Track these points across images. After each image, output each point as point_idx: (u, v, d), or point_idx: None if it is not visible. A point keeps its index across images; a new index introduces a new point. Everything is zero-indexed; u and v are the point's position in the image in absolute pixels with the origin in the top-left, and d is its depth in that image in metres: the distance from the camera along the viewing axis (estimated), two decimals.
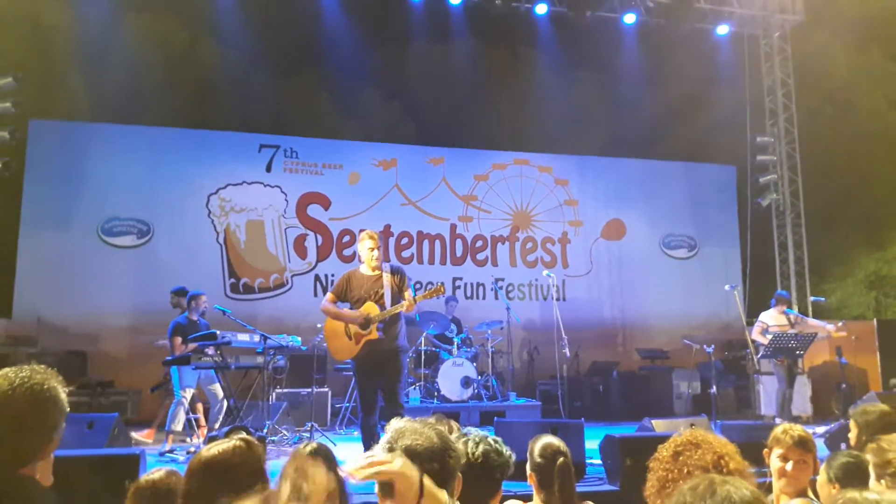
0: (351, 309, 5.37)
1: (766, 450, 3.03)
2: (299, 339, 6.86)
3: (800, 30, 11.34)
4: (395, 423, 1.87)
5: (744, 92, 11.40)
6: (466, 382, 8.00)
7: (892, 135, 11.36)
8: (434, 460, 1.70)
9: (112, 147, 9.58)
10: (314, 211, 10.30)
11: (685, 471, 1.94)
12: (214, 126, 10.07)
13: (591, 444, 5.85)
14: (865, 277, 11.52)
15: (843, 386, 8.26)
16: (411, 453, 1.69)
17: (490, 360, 8.61)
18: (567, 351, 7.72)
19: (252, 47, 9.89)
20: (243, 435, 2.59)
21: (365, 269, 5.42)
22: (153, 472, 2.54)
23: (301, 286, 9.97)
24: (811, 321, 8.45)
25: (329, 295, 5.48)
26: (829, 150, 10.99)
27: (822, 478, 2.87)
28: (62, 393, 1.77)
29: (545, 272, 8.64)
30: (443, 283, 5.84)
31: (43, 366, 1.77)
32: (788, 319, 8.04)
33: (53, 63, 8.99)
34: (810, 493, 2.90)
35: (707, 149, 11.48)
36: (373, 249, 5.33)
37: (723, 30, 11.28)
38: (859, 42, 11.08)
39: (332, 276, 9.85)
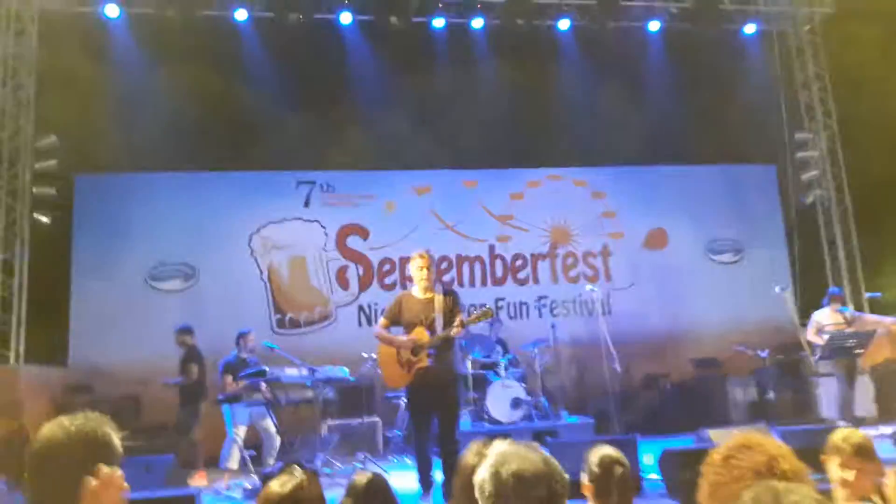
0: (404, 334, 5.32)
1: (823, 456, 2.93)
2: (347, 369, 6.90)
3: (831, 21, 11.11)
4: (499, 447, 1.83)
5: (778, 89, 11.20)
6: (516, 403, 7.92)
7: None
8: (541, 486, 1.66)
9: (154, 194, 9.89)
10: (353, 242, 10.43)
11: (735, 473, 1.88)
12: (251, 167, 10.30)
13: (650, 457, 5.75)
14: None
15: None
16: (519, 478, 1.65)
17: (539, 379, 8.52)
18: (617, 366, 7.62)
19: (281, 86, 10.10)
20: (302, 470, 2.59)
21: (417, 292, 5.36)
22: None
23: (346, 317, 10.07)
24: (869, 317, 8.18)
25: (382, 320, 5.45)
26: (872, 141, 10.67)
27: (893, 481, 2.75)
28: (116, 438, 1.81)
29: (588, 287, 8.55)
30: (490, 307, 5.81)
31: (96, 412, 1.82)
32: (844, 317, 7.79)
33: (93, 118, 9.30)
34: (874, 498, 2.79)
35: (745, 149, 11.26)
36: (422, 269, 5.27)
37: (750, 28, 11.13)
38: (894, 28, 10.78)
39: (376, 305, 9.92)
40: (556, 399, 8.73)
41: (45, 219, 9.06)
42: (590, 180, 11.35)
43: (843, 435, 2.96)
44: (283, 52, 10.07)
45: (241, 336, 7.01)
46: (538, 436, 7.68)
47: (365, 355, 7.63)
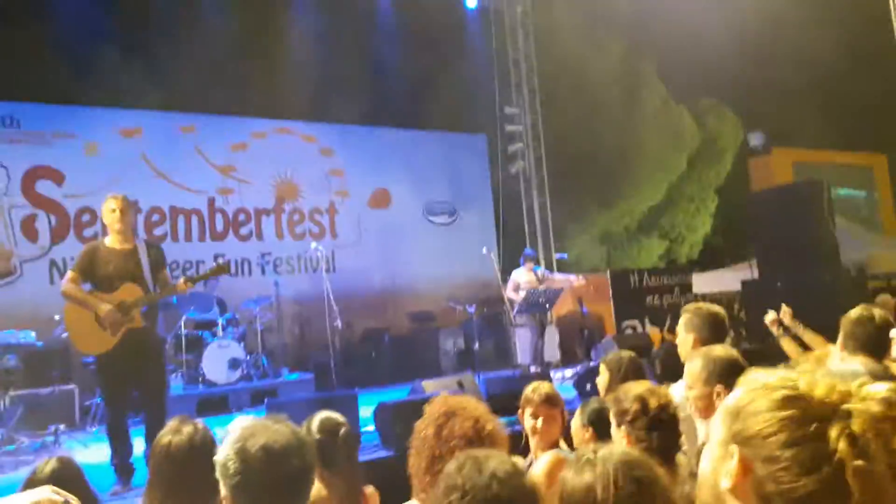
0: (98, 289, 4.70)
1: (519, 410, 3.23)
2: (33, 333, 6.05)
3: (542, 4, 12.19)
4: (242, 422, 1.74)
5: (492, 64, 12.08)
6: (234, 364, 7.65)
7: (617, 106, 12.85)
8: (294, 457, 1.62)
9: None
10: (44, 187, 9.04)
11: (450, 443, 1.98)
12: None
13: (367, 410, 5.94)
14: (598, 234, 13.00)
15: (585, 332, 9.26)
16: (268, 452, 1.58)
17: (259, 337, 8.32)
18: (339, 322, 7.72)
19: None
20: None
21: (112, 241, 4.74)
22: None
23: (33, 273, 8.72)
24: (556, 276, 9.31)
25: (70, 273, 4.67)
26: (567, 120, 12.11)
27: (576, 422, 3.12)
28: None
29: (313, 244, 8.49)
30: (228, 262, 5.45)
31: None
32: (536, 276, 8.78)
33: None
34: (562, 444, 3.14)
35: (461, 119, 12.04)
36: (114, 212, 4.59)
37: (472, 2, 11.80)
38: (592, 18, 12.26)
39: (71, 259, 8.75)
40: (277, 357, 8.61)
41: None
42: (318, 136, 11.25)
43: (533, 386, 3.29)
44: None
45: None
46: (257, 395, 7.55)
47: (57, 317, 6.70)
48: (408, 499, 2.10)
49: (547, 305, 8.46)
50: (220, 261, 5.32)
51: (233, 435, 1.64)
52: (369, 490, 3.00)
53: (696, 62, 12.74)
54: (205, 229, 10.08)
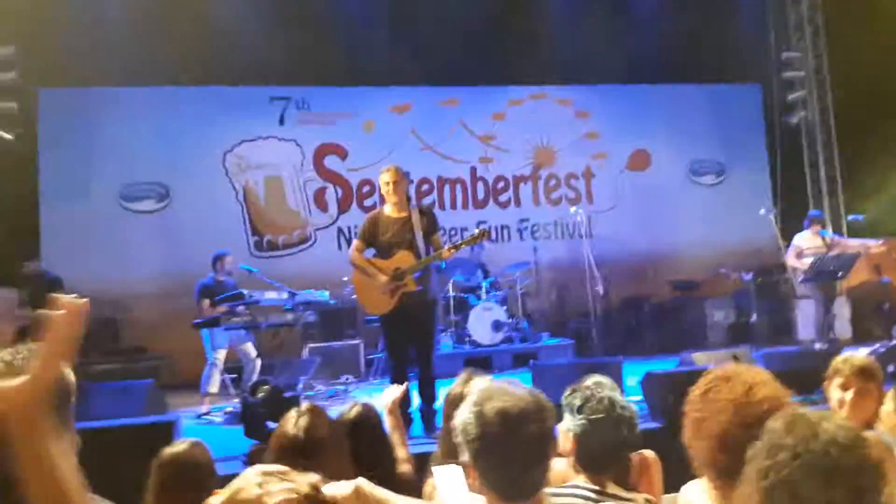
0: (378, 254, 5.13)
1: (825, 381, 2.91)
2: (327, 293, 6.80)
3: None
4: (480, 384, 1.75)
5: (766, 6, 10.84)
6: (497, 326, 7.95)
7: None
8: (532, 422, 1.56)
9: (123, 111, 9.41)
10: (331, 162, 10.15)
11: (714, 407, 1.80)
12: (223, 81, 9.82)
13: (632, 379, 5.77)
14: None
15: (885, 306, 8.03)
16: (504, 415, 1.54)
17: (519, 302, 8.53)
18: (600, 288, 7.61)
19: None
20: (308, 405, 2.44)
21: (390, 210, 5.07)
22: (176, 445, 2.49)
23: (325, 240, 9.90)
24: (849, 240, 8.17)
25: (356, 242, 5.17)
26: (859, 62, 10.43)
27: (888, 406, 2.73)
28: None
29: (572, 209, 8.44)
30: (486, 228, 5.65)
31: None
32: (824, 241, 7.78)
33: (56, 29, 8.74)
34: (878, 426, 2.76)
35: (731, 68, 10.96)
36: (388, 184, 4.96)
37: None
38: None
39: (355, 227, 9.72)
40: (536, 321, 8.77)
41: (8, 136, 8.61)
42: (574, 99, 11.07)
43: (845, 357, 2.94)
44: None
45: (218, 258, 6.85)
46: (518, 358, 7.76)
47: (345, 279, 7.53)
48: (677, 470, 1.95)
49: (838, 274, 7.44)
50: (482, 227, 5.45)
51: (471, 398, 1.61)
52: (648, 454, 2.87)
53: None
54: (468, 197, 10.54)
